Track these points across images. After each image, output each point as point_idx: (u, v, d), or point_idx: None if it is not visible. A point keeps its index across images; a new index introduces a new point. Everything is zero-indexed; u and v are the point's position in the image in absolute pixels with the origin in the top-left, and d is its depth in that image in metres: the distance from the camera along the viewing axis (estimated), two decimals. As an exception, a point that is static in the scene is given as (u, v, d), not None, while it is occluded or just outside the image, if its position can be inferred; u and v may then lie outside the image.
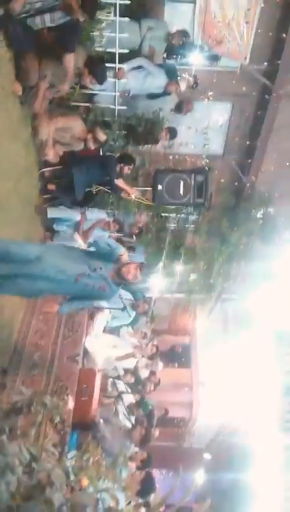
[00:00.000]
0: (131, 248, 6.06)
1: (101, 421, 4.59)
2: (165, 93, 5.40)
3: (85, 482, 3.31)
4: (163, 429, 6.74)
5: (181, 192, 5.66)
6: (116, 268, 3.26)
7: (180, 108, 5.74)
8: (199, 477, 8.51)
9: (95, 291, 3.27)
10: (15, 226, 4.41)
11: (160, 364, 6.51)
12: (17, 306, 4.68)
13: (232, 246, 5.83)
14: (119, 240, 5.66)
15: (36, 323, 4.83)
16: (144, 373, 6.22)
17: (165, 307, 7.73)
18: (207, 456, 8.70)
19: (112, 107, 5.26)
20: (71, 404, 4.23)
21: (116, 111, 5.29)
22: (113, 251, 3.36)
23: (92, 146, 5.07)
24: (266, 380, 7.64)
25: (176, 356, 8.47)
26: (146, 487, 4.73)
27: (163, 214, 6.33)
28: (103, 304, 5.27)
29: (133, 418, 5.37)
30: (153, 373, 6.28)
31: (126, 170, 5.24)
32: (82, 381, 4.58)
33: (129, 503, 3.95)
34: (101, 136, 5.03)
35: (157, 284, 6.20)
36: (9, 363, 4.43)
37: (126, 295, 5.41)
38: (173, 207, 6.08)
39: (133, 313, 5.70)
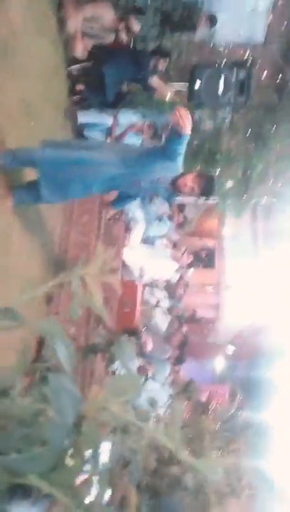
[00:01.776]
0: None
1: (143, 329, 4.84)
2: None
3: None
4: (190, 326, 7.13)
5: (221, 90, 5.18)
6: (173, 178, 2.97)
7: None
8: (219, 363, 9.25)
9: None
10: (48, 134, 4.15)
11: (191, 270, 6.65)
12: (54, 220, 4.62)
13: (273, 150, 5.49)
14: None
15: (75, 236, 4.81)
16: (174, 278, 6.38)
17: (194, 211, 7.66)
18: (230, 348, 9.38)
19: (145, -12, 4.58)
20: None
21: (150, -6, 4.62)
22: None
23: (124, 37, 4.53)
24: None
25: (202, 259, 8.63)
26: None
27: (197, 113, 5.89)
28: (139, 215, 5.20)
29: (169, 322, 5.65)
30: (182, 277, 6.44)
31: (161, 65, 4.76)
32: (123, 293, 4.71)
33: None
34: (135, 25, 4.47)
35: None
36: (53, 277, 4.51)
37: (163, 205, 5.30)
38: (208, 106, 5.62)
39: (169, 224, 5.64)
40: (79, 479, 0.72)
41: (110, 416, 0.65)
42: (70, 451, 0.67)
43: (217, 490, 1.22)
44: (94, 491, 0.67)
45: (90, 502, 0.63)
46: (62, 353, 0.70)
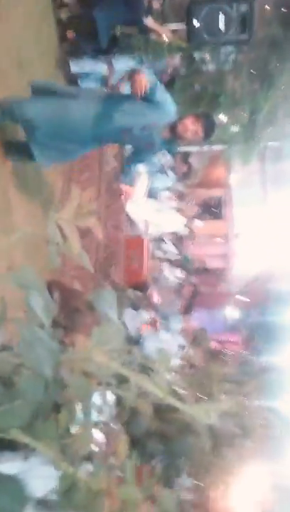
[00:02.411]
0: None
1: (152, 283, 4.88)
2: None
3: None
4: (200, 277, 7.18)
5: (221, 27, 4.88)
6: (171, 125, 2.83)
7: None
8: (231, 312, 9.39)
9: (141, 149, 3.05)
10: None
11: (198, 221, 6.60)
12: (53, 177, 4.55)
13: (280, 89, 5.23)
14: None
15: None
16: (182, 230, 6.36)
17: (199, 160, 7.46)
18: (241, 297, 9.46)
19: None
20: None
21: None
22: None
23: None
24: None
25: (209, 209, 8.52)
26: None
27: (196, 55, 5.60)
28: (141, 167, 5.09)
29: (178, 274, 5.69)
30: (189, 229, 6.42)
31: (156, 4, 4.50)
32: (129, 248, 4.72)
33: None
34: None
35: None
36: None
37: (165, 156, 5.17)
38: (209, 46, 5.32)
39: (172, 176, 5.53)
40: (74, 431, 0.73)
41: (95, 366, 0.65)
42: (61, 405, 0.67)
43: (227, 432, 1.24)
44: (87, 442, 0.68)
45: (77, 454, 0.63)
46: (38, 304, 0.68)
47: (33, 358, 0.58)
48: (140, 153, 3.13)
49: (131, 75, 2.61)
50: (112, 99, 2.87)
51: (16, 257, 3.22)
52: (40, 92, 2.86)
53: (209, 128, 2.84)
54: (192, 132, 2.79)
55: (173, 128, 2.84)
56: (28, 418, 0.55)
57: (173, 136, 2.88)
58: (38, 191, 3.85)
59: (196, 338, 4.00)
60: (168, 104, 2.76)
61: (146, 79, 2.57)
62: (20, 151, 3.00)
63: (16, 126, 3.17)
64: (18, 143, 3.13)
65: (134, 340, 3.67)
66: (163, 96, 2.73)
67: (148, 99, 2.66)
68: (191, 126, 2.78)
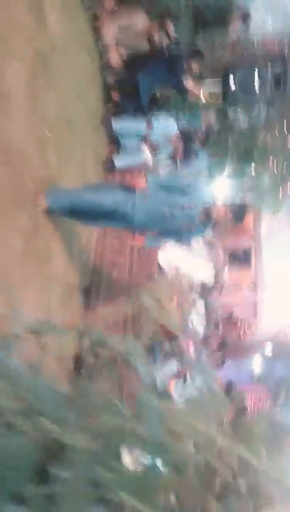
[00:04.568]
0: (194, 152, 5.91)
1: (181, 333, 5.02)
2: None
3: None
4: (227, 327, 7.26)
5: (257, 86, 5.26)
6: (205, 209, 3.19)
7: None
8: (258, 364, 9.29)
9: (181, 229, 3.32)
10: (86, 144, 4.39)
11: (226, 269, 6.77)
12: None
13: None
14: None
15: (111, 241, 5.02)
16: (210, 279, 6.52)
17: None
18: (268, 345, 9.40)
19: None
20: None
21: (182, -1, 4.75)
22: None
23: (160, 42, 4.67)
24: None
25: (238, 259, 8.68)
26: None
27: (230, 112, 5.97)
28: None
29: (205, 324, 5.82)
30: (217, 278, 6.57)
31: (195, 66, 4.90)
32: (160, 297, 4.90)
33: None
34: (171, 29, 4.61)
35: (226, 189, 6.12)
36: (90, 283, 4.75)
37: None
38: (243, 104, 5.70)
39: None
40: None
41: (190, 429, 0.79)
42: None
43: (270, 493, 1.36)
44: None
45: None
46: (145, 370, 0.83)
47: (147, 423, 0.72)
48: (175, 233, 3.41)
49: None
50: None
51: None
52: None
53: (240, 214, 3.15)
54: (225, 217, 3.14)
55: (207, 211, 3.16)
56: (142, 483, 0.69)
57: (207, 217, 3.19)
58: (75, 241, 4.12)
59: (227, 394, 4.07)
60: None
61: None
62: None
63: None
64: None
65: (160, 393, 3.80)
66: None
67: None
68: (223, 213, 3.14)
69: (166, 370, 4.11)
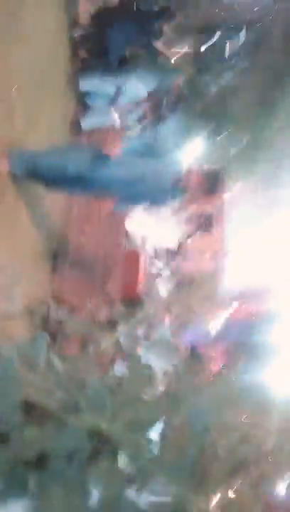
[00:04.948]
0: (163, 116, 5.83)
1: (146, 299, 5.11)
2: None
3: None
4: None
5: (227, 53, 5.19)
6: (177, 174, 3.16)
7: None
8: (215, 325, 9.59)
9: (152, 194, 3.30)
10: (53, 105, 4.25)
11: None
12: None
13: (280, 117, 5.56)
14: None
15: (77, 208, 4.95)
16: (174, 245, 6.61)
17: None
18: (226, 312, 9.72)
19: None
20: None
21: None
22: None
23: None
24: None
25: (200, 225, 8.79)
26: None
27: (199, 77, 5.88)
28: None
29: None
30: (182, 244, 6.67)
31: (167, 28, 4.76)
32: (127, 262, 4.94)
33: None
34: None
35: (193, 155, 6.10)
36: (58, 248, 4.70)
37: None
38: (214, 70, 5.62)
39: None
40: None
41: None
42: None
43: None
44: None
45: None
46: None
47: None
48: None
49: None
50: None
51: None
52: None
53: (214, 184, 3.13)
54: (197, 184, 3.12)
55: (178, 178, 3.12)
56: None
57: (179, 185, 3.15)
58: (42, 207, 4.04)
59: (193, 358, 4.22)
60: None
61: None
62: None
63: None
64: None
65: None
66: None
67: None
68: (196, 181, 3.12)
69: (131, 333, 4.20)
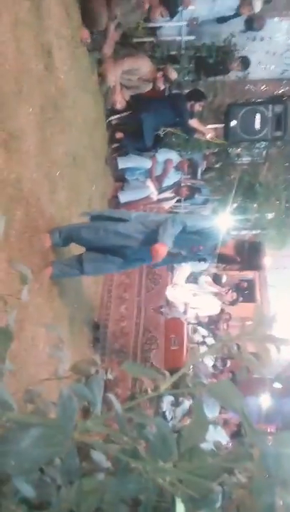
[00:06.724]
0: (196, 189, 6.06)
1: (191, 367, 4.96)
2: (237, 15, 4.99)
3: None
4: (234, 362, 7.14)
5: (257, 126, 5.42)
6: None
7: (250, 24, 5.27)
8: (265, 401, 9.06)
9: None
10: (92, 183, 4.50)
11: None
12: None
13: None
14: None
15: (118, 277, 5.06)
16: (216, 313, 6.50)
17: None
18: (277, 385, 9.20)
19: (178, 38, 4.97)
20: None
21: (183, 43, 4.99)
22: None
23: (161, 86, 4.88)
24: None
25: (242, 291, 8.67)
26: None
27: (231, 150, 6.15)
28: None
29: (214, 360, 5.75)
30: (224, 313, 6.55)
31: (198, 107, 5.09)
32: (169, 331, 4.88)
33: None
34: (173, 74, 4.82)
35: (229, 224, 6.20)
36: (98, 317, 4.74)
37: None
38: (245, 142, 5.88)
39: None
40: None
41: None
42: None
43: None
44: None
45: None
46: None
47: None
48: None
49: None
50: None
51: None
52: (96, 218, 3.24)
53: (254, 260, 3.08)
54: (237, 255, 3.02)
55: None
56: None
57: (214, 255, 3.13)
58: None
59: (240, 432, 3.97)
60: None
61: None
62: (70, 266, 3.27)
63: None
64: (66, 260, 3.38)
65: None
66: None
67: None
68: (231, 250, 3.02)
69: (179, 411, 4.04)
